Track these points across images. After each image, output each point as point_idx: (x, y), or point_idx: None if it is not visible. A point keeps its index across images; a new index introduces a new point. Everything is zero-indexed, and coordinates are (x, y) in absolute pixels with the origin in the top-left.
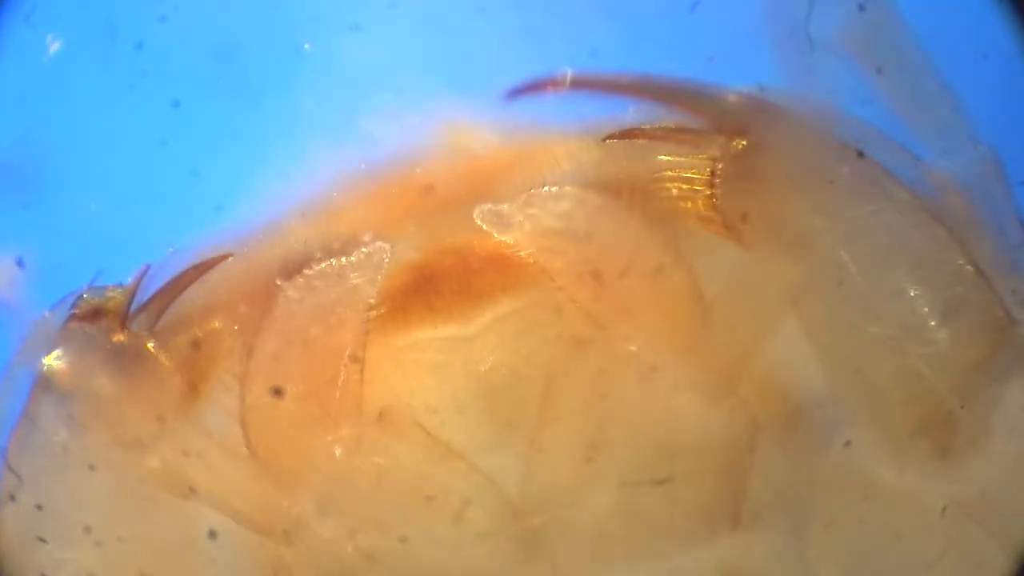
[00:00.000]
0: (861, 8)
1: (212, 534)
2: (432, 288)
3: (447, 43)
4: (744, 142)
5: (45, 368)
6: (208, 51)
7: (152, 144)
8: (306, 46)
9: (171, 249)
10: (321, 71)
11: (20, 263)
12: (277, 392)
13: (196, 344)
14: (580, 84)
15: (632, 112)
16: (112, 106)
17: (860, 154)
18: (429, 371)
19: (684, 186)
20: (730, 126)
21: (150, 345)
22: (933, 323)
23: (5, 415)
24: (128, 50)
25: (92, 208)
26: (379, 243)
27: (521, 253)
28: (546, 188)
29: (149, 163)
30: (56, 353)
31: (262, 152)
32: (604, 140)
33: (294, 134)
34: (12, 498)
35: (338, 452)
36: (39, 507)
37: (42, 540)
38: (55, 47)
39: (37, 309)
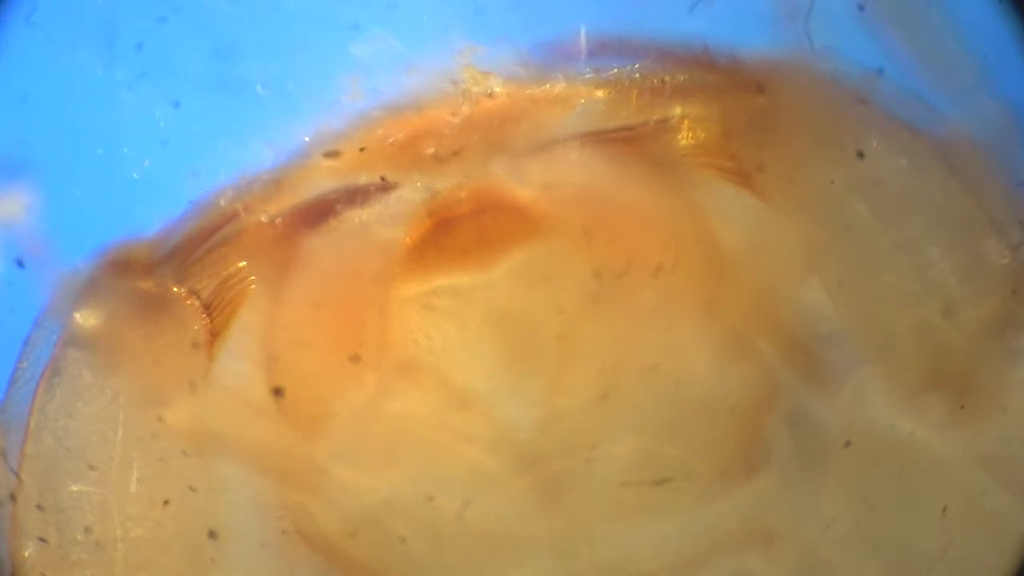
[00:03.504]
0: (861, 8)
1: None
2: (450, 236)
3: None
4: (762, 98)
5: (72, 319)
6: (208, 51)
7: (152, 144)
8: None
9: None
10: (321, 71)
11: (20, 263)
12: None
13: (220, 288)
14: (598, 49)
15: (649, 63)
16: (112, 106)
17: (864, 102)
18: (448, 318)
19: (701, 135)
20: (748, 83)
21: (175, 289)
22: (948, 275)
23: (32, 368)
24: (128, 50)
25: (92, 208)
26: (399, 192)
27: (538, 203)
28: (561, 139)
29: (149, 163)
30: (83, 303)
31: (262, 152)
32: (618, 89)
33: (294, 134)
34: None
35: (360, 399)
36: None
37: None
38: None
39: (36, 310)
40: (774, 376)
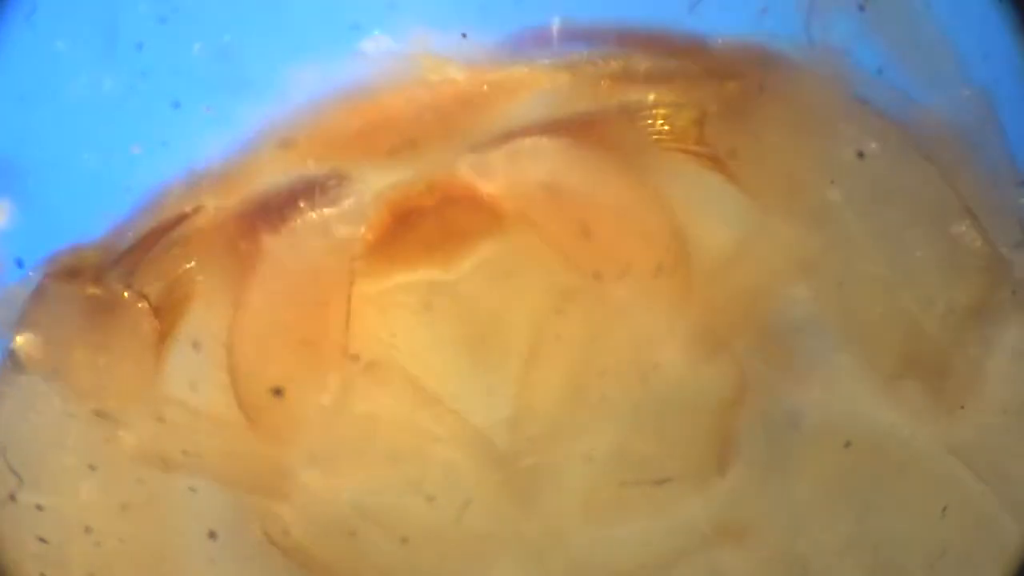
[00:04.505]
0: (861, 8)
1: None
2: (412, 230)
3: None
4: (734, 84)
5: (20, 329)
6: (208, 51)
7: (152, 144)
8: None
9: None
10: (320, 72)
11: (20, 264)
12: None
13: (171, 289)
14: (569, 36)
15: (617, 51)
16: (112, 106)
17: (860, 99)
18: (413, 315)
19: (672, 122)
20: (720, 69)
21: (125, 294)
22: (924, 264)
23: None
24: (128, 50)
25: (92, 209)
26: (357, 185)
27: (503, 195)
28: (525, 126)
29: (150, 163)
30: (31, 311)
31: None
32: (585, 74)
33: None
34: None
35: (326, 402)
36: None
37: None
38: None
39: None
40: (752, 371)
